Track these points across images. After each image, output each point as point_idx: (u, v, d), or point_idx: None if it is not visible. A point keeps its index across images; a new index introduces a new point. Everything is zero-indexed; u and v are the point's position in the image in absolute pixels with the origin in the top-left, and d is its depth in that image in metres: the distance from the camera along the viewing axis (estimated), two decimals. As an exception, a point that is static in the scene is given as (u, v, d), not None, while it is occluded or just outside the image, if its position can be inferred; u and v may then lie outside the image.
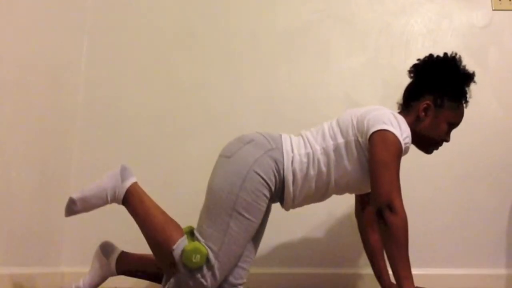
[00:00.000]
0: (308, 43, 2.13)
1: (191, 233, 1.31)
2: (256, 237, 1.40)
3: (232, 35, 2.14)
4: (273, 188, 1.32)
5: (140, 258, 1.42)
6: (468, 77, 1.43)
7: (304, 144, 1.37)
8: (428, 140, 1.45)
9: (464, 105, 1.45)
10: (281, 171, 1.32)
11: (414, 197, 1.86)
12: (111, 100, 2.07)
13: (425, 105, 1.42)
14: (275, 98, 2.07)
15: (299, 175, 1.33)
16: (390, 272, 1.31)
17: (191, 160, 1.99)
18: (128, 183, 1.33)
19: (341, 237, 1.91)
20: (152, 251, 1.32)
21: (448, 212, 1.94)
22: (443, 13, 2.16)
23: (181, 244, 1.24)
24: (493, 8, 2.15)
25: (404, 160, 1.34)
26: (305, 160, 1.34)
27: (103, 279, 1.40)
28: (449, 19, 2.15)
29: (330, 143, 1.36)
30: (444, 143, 1.47)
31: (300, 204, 1.41)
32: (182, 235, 1.27)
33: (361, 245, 1.63)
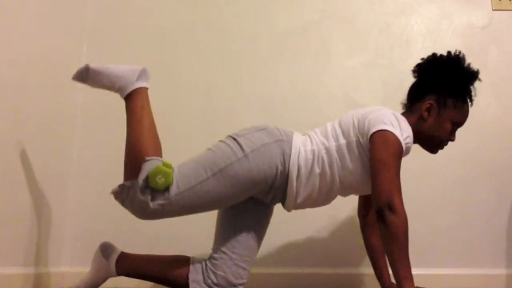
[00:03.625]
0: (308, 43, 2.13)
1: (167, 165, 1.28)
2: (258, 238, 1.40)
3: (232, 35, 2.14)
4: (269, 180, 1.31)
5: (140, 258, 1.41)
6: (472, 75, 1.42)
7: (311, 141, 1.38)
8: (432, 140, 1.45)
9: (469, 103, 1.45)
10: (286, 165, 1.32)
11: (414, 197, 1.86)
12: (111, 100, 2.05)
13: (428, 105, 1.42)
14: (275, 98, 2.07)
15: (303, 170, 1.33)
16: (390, 272, 1.31)
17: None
18: (140, 84, 1.36)
19: (342, 237, 1.92)
20: (126, 153, 1.31)
21: (448, 212, 1.94)
22: (443, 13, 2.16)
23: (155, 162, 1.25)
24: (493, 8, 2.16)
25: (404, 160, 1.34)
26: (310, 156, 1.34)
27: (103, 279, 1.40)
28: (449, 19, 2.15)
29: (333, 143, 1.36)
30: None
31: (302, 205, 1.41)
32: (159, 156, 1.29)
33: (361, 245, 1.63)
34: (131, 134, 1.32)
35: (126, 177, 1.28)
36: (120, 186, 1.26)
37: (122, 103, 2.05)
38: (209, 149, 1.35)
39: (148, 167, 1.24)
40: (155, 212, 1.24)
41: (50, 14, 1.80)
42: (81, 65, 2.03)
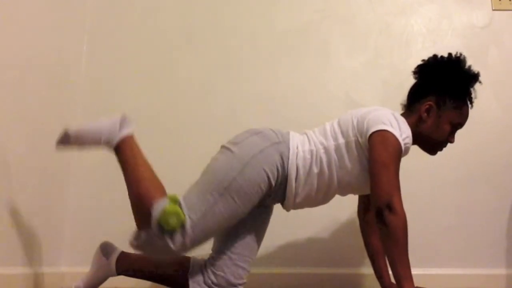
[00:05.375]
0: (308, 43, 2.13)
1: (173, 200, 1.29)
2: (258, 238, 1.40)
3: (232, 35, 2.14)
4: (273, 182, 1.31)
5: (140, 258, 1.42)
6: (473, 78, 1.42)
7: (308, 141, 1.38)
8: (430, 141, 1.44)
9: (470, 105, 1.44)
10: (286, 166, 1.32)
11: (414, 197, 1.86)
12: (111, 100, 2.07)
13: (427, 106, 1.42)
14: (275, 98, 2.07)
15: (301, 171, 1.33)
16: (390, 272, 1.31)
17: (191, 160, 1.98)
18: (124, 132, 1.34)
19: (342, 237, 1.92)
20: (132, 203, 1.30)
21: (448, 212, 1.94)
22: (443, 13, 2.16)
23: (162, 203, 1.24)
24: (493, 8, 2.16)
25: (404, 160, 1.34)
26: (308, 156, 1.34)
27: (103, 279, 1.40)
28: (449, 19, 2.15)
29: (331, 143, 1.36)
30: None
31: (301, 205, 1.41)
32: (164, 196, 1.27)
33: (361, 245, 1.63)
34: (131, 183, 1.30)
35: (139, 226, 1.27)
36: (136, 238, 1.25)
37: (122, 103, 2.06)
38: (207, 169, 1.34)
39: (157, 212, 1.22)
40: (179, 250, 1.24)
41: (50, 14, 1.80)
42: (81, 65, 2.07)
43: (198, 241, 1.27)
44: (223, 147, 1.37)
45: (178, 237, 1.22)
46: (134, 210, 1.29)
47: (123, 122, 1.35)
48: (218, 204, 1.26)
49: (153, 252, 1.26)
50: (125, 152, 1.33)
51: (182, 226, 1.22)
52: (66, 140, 1.33)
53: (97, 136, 1.32)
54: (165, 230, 1.21)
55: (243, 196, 1.28)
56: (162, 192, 1.29)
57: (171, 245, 1.22)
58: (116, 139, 1.32)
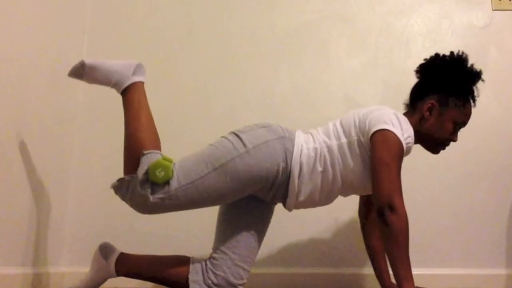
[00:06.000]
0: (308, 43, 2.13)
1: (168, 160, 1.29)
2: (258, 238, 1.40)
3: (232, 35, 2.14)
4: (270, 177, 1.31)
5: (140, 259, 1.41)
6: (475, 76, 1.42)
7: (313, 140, 1.38)
8: (433, 140, 1.45)
9: (472, 104, 1.45)
10: (289, 162, 1.32)
11: (414, 197, 1.86)
12: (111, 100, 2.06)
13: (429, 105, 1.42)
14: (275, 98, 2.07)
15: (305, 169, 1.33)
16: (390, 272, 1.31)
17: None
18: (136, 79, 1.37)
19: (342, 237, 1.92)
20: (125, 148, 1.32)
21: (448, 212, 1.94)
22: (443, 13, 2.16)
23: (155, 155, 1.26)
24: (493, 8, 2.16)
25: (404, 160, 1.34)
26: (312, 154, 1.34)
27: (102, 280, 1.39)
28: (449, 19, 2.15)
29: (334, 142, 1.36)
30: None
31: (304, 204, 1.40)
32: (159, 149, 1.30)
33: (361, 245, 1.63)
34: (129, 128, 1.33)
35: (126, 171, 1.29)
36: (120, 180, 1.27)
37: (121, 103, 2.05)
38: (211, 144, 1.35)
39: (147, 160, 1.24)
40: (155, 206, 1.24)
41: (50, 14, 1.79)
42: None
43: (174, 205, 1.27)
44: (232, 132, 1.38)
45: (159, 192, 1.23)
46: (126, 154, 1.31)
47: (137, 68, 1.38)
48: (209, 178, 1.27)
49: (130, 199, 1.26)
50: (132, 96, 1.35)
51: (168, 184, 1.23)
52: (80, 71, 1.37)
53: (109, 75, 1.35)
54: (150, 180, 1.22)
55: (235, 180, 1.28)
56: (158, 145, 1.32)
57: (150, 196, 1.22)
58: (127, 83, 1.36)
